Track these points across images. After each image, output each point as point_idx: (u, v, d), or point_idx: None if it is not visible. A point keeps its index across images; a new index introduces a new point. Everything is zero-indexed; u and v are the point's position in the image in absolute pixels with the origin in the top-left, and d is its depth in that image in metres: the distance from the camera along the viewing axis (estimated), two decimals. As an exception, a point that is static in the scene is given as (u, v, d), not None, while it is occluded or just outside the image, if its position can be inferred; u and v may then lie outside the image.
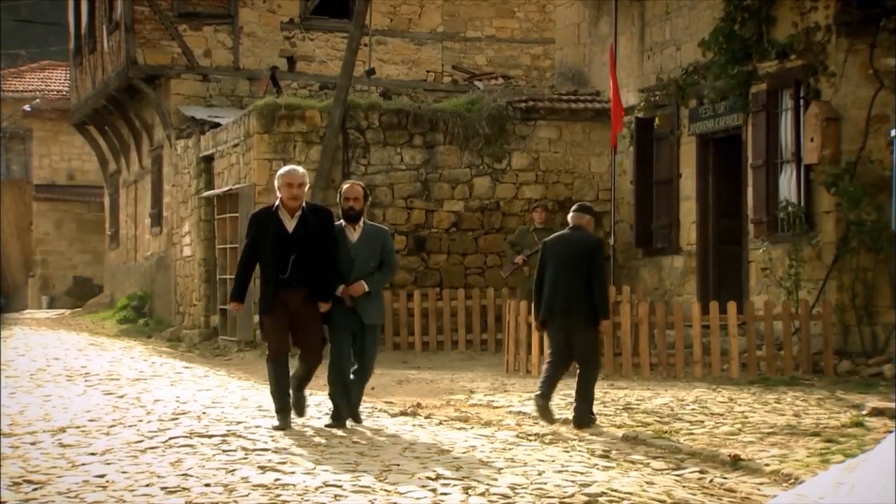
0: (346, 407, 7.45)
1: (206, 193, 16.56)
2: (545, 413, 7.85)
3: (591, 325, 7.82)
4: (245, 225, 15.58)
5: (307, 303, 7.27)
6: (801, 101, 11.48)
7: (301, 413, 7.52)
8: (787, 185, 11.69)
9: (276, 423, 7.24)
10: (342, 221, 7.45)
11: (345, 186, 7.57)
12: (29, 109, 28.05)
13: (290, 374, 7.44)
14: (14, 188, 28.89)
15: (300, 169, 7.42)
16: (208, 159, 16.75)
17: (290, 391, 7.41)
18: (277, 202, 7.28)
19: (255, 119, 14.49)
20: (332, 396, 7.55)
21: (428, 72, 19.19)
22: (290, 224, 7.23)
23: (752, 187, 12.18)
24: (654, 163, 14.10)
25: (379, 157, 14.68)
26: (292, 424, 7.32)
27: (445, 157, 14.88)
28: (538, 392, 7.91)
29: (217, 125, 16.55)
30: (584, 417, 7.76)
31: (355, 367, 7.50)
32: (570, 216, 8.16)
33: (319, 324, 7.38)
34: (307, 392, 7.75)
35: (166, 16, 18.19)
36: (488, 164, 15.03)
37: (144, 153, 20.75)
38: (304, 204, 7.27)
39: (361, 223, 7.47)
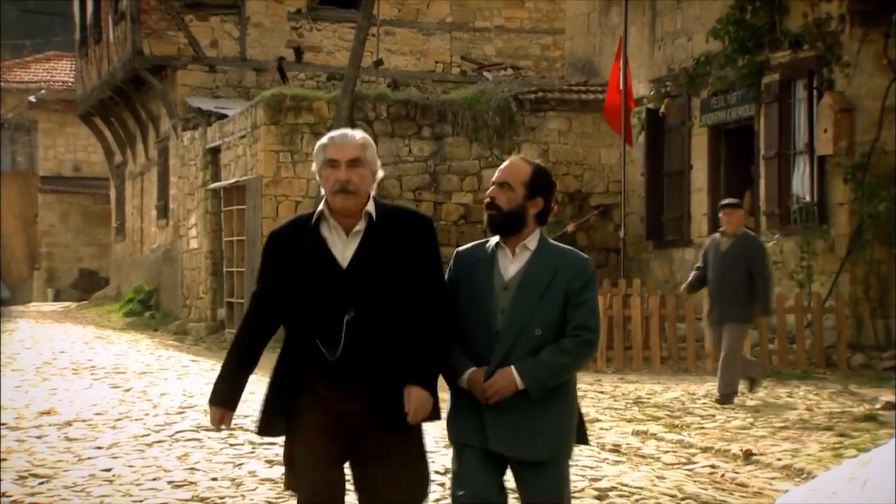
0: None
1: (212, 185, 16.50)
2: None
3: None
4: (253, 219, 15.93)
5: (380, 412, 3.44)
6: (815, 92, 11.39)
7: None
8: (801, 177, 11.60)
9: None
10: (492, 237, 3.63)
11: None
12: (34, 101, 28.02)
13: None
14: (19, 180, 28.87)
15: (357, 133, 3.60)
16: (215, 151, 16.69)
17: None
18: (320, 207, 3.55)
19: (262, 110, 14.42)
20: None
21: (436, 62, 19.08)
22: (344, 248, 3.51)
23: (765, 179, 12.09)
24: (665, 154, 14.02)
25: (387, 148, 14.58)
26: None
27: (454, 148, 14.79)
28: None
29: (224, 116, 16.48)
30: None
31: None
32: None
33: (407, 456, 3.51)
34: None
35: (172, 6, 18.10)
36: (497, 155, 14.93)
37: (150, 145, 20.70)
38: (371, 207, 3.54)
39: (534, 241, 3.57)
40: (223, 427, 3.60)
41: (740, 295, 8.44)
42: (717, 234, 8.79)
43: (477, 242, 3.68)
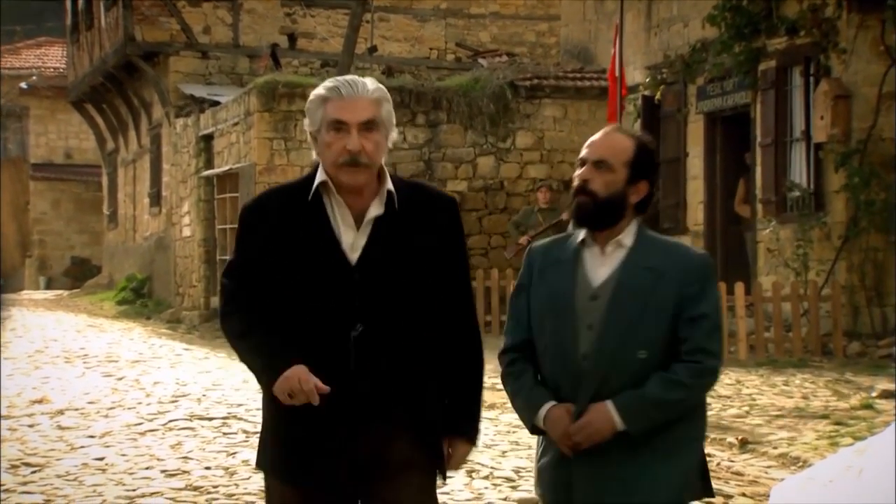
0: None
1: (205, 173, 16.43)
2: None
3: None
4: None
5: (397, 441, 2.68)
6: (811, 79, 11.33)
7: None
8: (797, 165, 11.56)
9: None
10: (577, 231, 2.81)
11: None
12: (26, 87, 27.88)
13: None
14: (11, 167, 28.74)
15: (368, 82, 2.69)
16: (208, 138, 16.60)
17: None
18: (320, 177, 2.69)
19: (256, 97, 14.34)
20: None
21: (431, 49, 19.00)
22: (354, 236, 2.69)
23: (761, 166, 12.05)
24: (661, 142, 13.95)
25: (381, 135, 14.52)
26: None
27: (449, 136, 14.72)
28: None
29: (217, 103, 16.40)
30: None
31: None
32: None
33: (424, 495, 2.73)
34: None
35: (165, -8, 17.99)
36: (492, 143, 14.88)
37: (143, 132, 20.60)
38: (389, 183, 2.71)
39: (630, 235, 2.83)
40: (314, 389, 2.56)
41: None
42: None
43: (556, 237, 2.83)
